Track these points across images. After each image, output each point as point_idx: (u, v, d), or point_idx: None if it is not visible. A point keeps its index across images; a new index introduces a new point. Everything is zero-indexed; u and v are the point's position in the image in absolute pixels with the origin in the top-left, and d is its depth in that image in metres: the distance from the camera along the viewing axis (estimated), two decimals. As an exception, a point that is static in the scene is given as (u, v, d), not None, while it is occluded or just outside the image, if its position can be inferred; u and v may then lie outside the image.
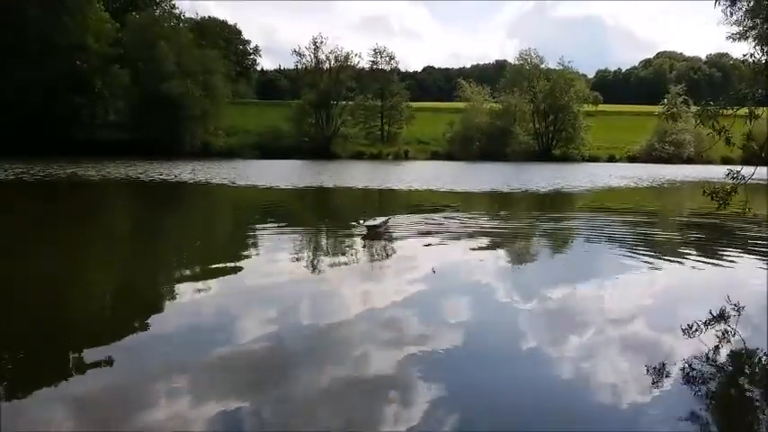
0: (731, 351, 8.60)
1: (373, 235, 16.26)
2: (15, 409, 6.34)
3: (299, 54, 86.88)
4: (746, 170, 9.76)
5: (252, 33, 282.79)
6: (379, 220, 17.40)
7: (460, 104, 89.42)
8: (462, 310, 10.33)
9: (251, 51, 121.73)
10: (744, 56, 10.15)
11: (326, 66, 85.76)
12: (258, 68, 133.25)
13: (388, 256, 14.80)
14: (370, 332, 9.04)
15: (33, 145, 57.96)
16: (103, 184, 34.77)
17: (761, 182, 40.24)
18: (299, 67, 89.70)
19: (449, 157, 78.67)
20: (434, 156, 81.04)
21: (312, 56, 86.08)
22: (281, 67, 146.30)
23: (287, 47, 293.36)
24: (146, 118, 68.04)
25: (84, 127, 67.77)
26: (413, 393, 6.87)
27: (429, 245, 15.89)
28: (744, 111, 9.85)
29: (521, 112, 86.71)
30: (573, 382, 7.47)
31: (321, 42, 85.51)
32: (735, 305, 10.81)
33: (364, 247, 15.10)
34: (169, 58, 69.87)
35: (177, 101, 68.58)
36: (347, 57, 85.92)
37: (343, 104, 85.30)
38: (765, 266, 14.48)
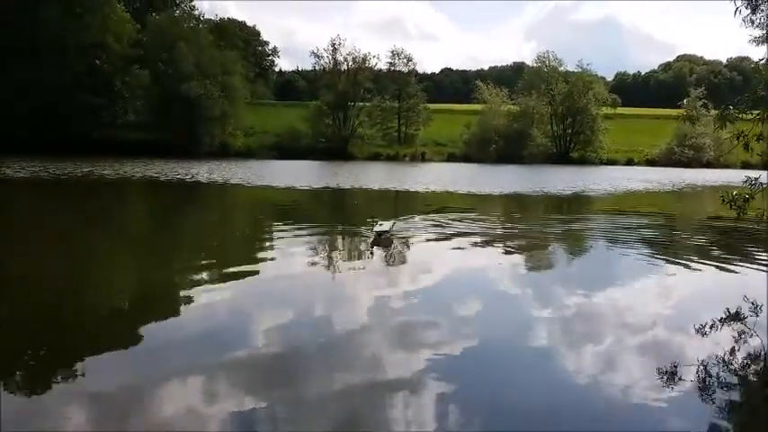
0: (748, 354, 8.53)
1: (382, 241, 15.70)
2: (33, 406, 6.45)
3: (317, 56, 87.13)
4: (765, 177, 9.67)
5: (271, 35, 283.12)
6: (386, 224, 16.66)
7: (478, 106, 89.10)
8: (477, 313, 10.33)
9: (269, 52, 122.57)
10: (761, 59, 10.03)
11: (344, 67, 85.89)
12: (276, 69, 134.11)
13: (402, 259, 14.82)
14: (383, 334, 9.07)
15: (52, 144, 58.46)
16: (121, 184, 35.12)
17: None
18: (317, 68, 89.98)
19: (466, 159, 78.41)
20: (451, 158, 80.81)
21: (330, 57, 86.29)
22: (299, 69, 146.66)
23: (305, 48, 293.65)
24: (165, 118, 68.60)
25: (104, 127, 68.28)
26: (425, 396, 6.88)
27: (445, 246, 15.89)
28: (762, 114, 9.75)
29: (538, 114, 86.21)
30: (587, 386, 7.44)
31: (339, 44, 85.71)
32: (752, 304, 10.74)
33: (372, 254, 14.59)
34: (188, 59, 70.33)
35: (196, 101, 69.00)
36: (365, 58, 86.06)
37: (360, 106, 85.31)
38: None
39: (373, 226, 16.26)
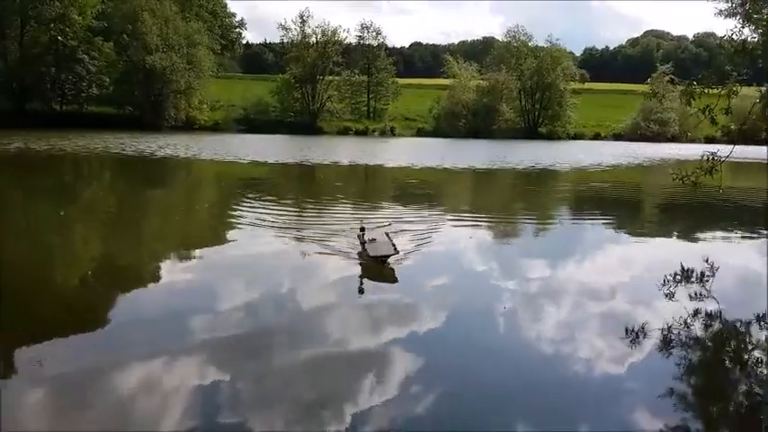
0: (706, 318, 8.75)
1: (381, 264, 10.92)
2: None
3: (286, 28, 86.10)
4: (724, 150, 9.86)
5: (237, 6, 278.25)
6: (382, 237, 11.82)
7: (447, 81, 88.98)
8: (444, 287, 10.35)
9: (236, 24, 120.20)
10: (729, 30, 10.13)
11: (313, 40, 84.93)
12: (243, 42, 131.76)
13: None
14: (350, 310, 9.05)
15: (13, 118, 57.04)
16: (83, 158, 34.39)
17: (755, 160, 40.69)
18: (285, 41, 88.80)
19: (435, 133, 78.50)
20: (420, 132, 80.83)
21: (298, 30, 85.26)
22: (267, 41, 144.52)
23: (273, 20, 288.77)
24: (129, 92, 67.68)
25: (67, 101, 66.92)
26: (391, 369, 6.91)
27: (415, 222, 15.66)
28: (727, 89, 9.90)
29: (507, 89, 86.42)
30: (553, 357, 7.55)
31: (308, 16, 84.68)
32: (710, 266, 11.10)
33: (362, 278, 10.47)
34: (153, 31, 68.83)
35: (161, 74, 67.83)
36: (334, 31, 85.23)
37: (329, 80, 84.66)
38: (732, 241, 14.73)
39: (362, 235, 11.75)
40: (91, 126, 59.88)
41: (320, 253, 12.16)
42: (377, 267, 10.70)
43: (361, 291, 9.83)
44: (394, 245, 11.38)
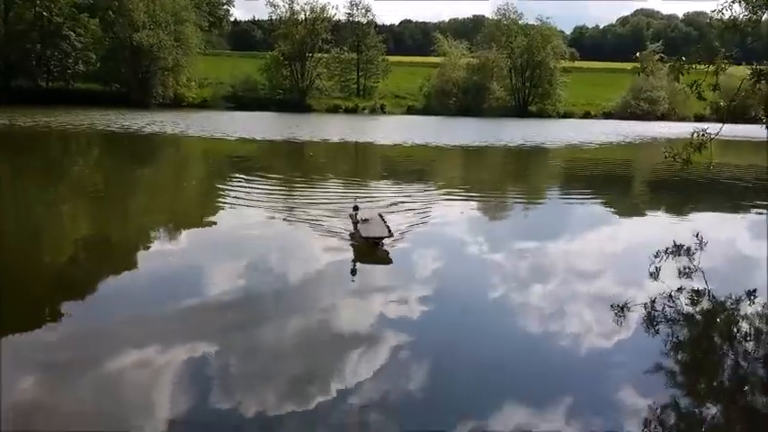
0: (694, 294, 8.82)
1: (374, 246, 10.59)
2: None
3: (274, 5, 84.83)
4: (714, 128, 9.87)
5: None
6: (375, 218, 11.63)
7: (437, 59, 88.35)
8: (434, 262, 10.38)
9: (224, 1, 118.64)
10: (720, 5, 10.06)
11: (302, 17, 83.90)
12: (231, 19, 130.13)
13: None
14: (339, 284, 9.07)
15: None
16: (71, 135, 33.99)
17: (744, 139, 40.88)
18: (274, 18, 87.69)
19: (425, 111, 78.11)
20: (411, 110, 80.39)
21: (287, 7, 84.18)
22: (256, 18, 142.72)
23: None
24: (116, 68, 66.83)
25: (54, 77, 66.07)
26: (379, 341, 6.94)
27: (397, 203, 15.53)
28: (716, 65, 9.89)
29: (498, 67, 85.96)
30: (540, 331, 7.60)
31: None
32: (698, 240, 11.18)
33: (355, 259, 10.26)
34: (139, 8, 67.82)
35: (148, 51, 66.94)
36: (323, 8, 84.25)
37: (318, 57, 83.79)
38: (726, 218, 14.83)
39: (355, 215, 11.24)
40: (77, 103, 59.16)
41: (310, 226, 12.13)
42: (370, 249, 10.40)
43: (353, 272, 9.64)
44: (388, 227, 11.06)
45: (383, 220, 11.60)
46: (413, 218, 13.48)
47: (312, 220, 12.98)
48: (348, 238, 11.27)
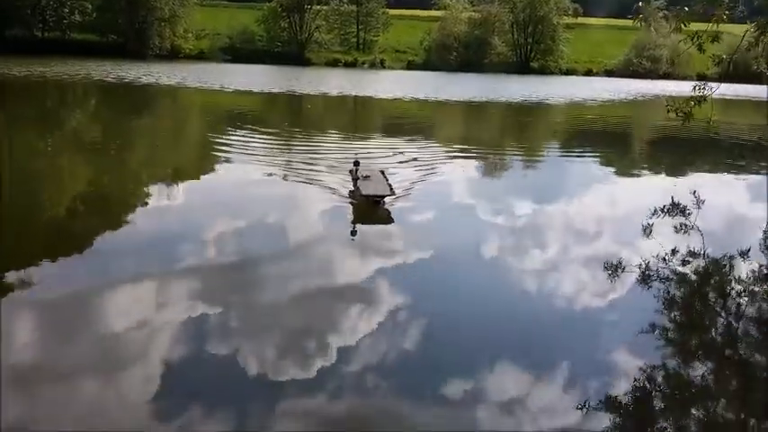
0: (688, 254, 8.85)
1: (375, 204, 10.23)
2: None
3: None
4: (713, 85, 9.75)
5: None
6: (376, 175, 11.23)
7: (438, 13, 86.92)
8: (431, 222, 10.29)
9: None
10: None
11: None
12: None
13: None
14: (338, 243, 9.00)
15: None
16: (66, 85, 33.56)
17: (746, 98, 40.58)
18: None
19: (425, 66, 77.11)
20: (411, 65, 79.39)
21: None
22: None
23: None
24: (113, 19, 65.68)
25: (50, 27, 64.90)
26: (377, 300, 6.97)
27: (400, 157, 15.40)
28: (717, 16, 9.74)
29: (500, 21, 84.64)
30: (537, 291, 7.64)
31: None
32: (695, 200, 11.22)
33: (355, 219, 9.91)
34: (135, -45, 66.31)
35: (145, 1, 65.83)
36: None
37: (317, 9, 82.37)
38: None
39: (356, 171, 10.82)
40: (74, 53, 58.25)
41: (309, 182, 12.06)
42: (370, 208, 10.07)
43: (353, 233, 9.35)
44: (390, 184, 10.62)
45: (385, 177, 11.16)
46: (413, 174, 13.36)
47: (311, 175, 12.84)
48: (348, 195, 10.93)
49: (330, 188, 11.61)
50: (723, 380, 5.81)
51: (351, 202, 10.55)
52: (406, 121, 24.71)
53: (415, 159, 15.26)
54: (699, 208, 11.72)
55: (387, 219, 9.80)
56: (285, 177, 13.11)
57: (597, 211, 11.92)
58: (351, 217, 10.03)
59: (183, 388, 5.07)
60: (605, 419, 4.85)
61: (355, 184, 10.58)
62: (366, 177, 10.65)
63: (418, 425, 4.72)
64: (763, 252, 9.57)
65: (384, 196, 10.11)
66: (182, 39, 72.29)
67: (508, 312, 7.01)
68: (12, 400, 4.74)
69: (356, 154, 12.23)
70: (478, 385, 5.32)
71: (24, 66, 41.92)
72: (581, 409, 4.93)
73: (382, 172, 11.42)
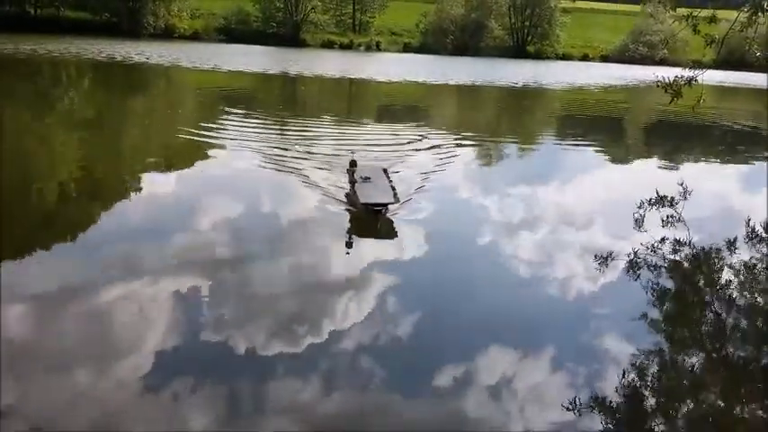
0: (676, 243, 8.89)
1: (378, 214, 8.77)
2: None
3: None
4: (711, 73, 9.77)
5: None
6: (377, 177, 9.64)
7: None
8: (424, 207, 10.17)
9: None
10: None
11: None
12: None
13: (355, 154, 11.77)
14: (330, 227, 8.93)
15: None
16: (59, 63, 33.17)
17: (742, 85, 40.61)
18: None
19: (421, 49, 76.70)
20: (407, 48, 78.95)
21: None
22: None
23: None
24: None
25: (43, 3, 64.20)
26: (368, 286, 7.00)
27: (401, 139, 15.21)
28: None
29: (497, 4, 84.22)
30: (529, 279, 7.70)
31: None
32: (683, 189, 11.27)
33: (351, 234, 8.54)
34: (130, -68, 65.51)
35: (139, -21, 65.19)
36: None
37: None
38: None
39: (352, 172, 9.63)
40: (67, 31, 57.74)
41: (301, 173, 11.83)
42: (370, 217, 8.65)
43: (348, 245, 8.11)
44: (393, 187, 9.09)
45: (387, 176, 9.59)
46: (404, 159, 13.28)
47: (306, 160, 12.66)
48: (344, 199, 9.55)
49: (322, 186, 10.70)
50: (711, 368, 5.85)
51: (347, 209, 9.31)
52: (403, 103, 24.57)
53: (430, 148, 14.84)
54: (687, 197, 11.75)
55: (389, 232, 8.46)
56: (278, 163, 12.75)
57: (591, 197, 12.06)
58: (347, 230, 8.71)
59: (173, 368, 5.09)
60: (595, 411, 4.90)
61: (353, 189, 9.16)
62: (365, 179, 9.19)
63: (410, 414, 4.76)
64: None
65: (386, 204, 8.67)
66: (176, 18, 71.64)
67: (501, 298, 7.10)
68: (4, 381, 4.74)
69: (352, 152, 10.81)
70: (468, 369, 5.34)
71: (15, 42, 41.44)
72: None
73: (385, 170, 9.99)
